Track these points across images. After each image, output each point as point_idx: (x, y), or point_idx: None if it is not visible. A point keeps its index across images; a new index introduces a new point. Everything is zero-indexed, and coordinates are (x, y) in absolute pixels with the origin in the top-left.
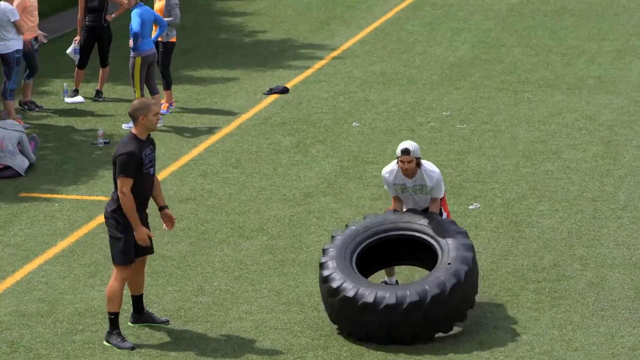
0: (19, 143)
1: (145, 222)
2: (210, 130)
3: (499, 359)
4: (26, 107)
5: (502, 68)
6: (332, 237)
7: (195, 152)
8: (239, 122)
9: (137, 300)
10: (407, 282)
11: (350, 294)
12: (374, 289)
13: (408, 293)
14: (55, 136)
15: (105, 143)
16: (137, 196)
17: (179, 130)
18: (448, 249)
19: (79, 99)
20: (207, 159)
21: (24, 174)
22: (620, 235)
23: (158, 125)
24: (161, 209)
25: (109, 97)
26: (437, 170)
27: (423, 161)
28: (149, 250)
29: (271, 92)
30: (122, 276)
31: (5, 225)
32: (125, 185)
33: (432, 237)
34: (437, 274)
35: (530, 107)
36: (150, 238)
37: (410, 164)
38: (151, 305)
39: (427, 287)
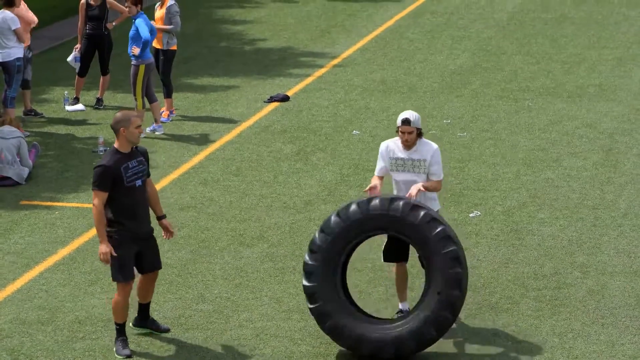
0: (17, 152)
1: (145, 238)
2: (211, 138)
3: None
4: (32, 113)
5: (502, 76)
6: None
7: (195, 159)
8: (239, 130)
9: (143, 308)
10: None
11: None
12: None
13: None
14: (55, 144)
15: (105, 151)
16: (122, 210)
17: (180, 138)
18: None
19: (79, 106)
20: (208, 167)
21: (24, 183)
22: (620, 243)
23: (157, 133)
24: (159, 218)
25: (109, 105)
26: (436, 144)
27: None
28: (156, 265)
29: (272, 100)
30: (124, 292)
31: (5, 233)
32: (97, 198)
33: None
34: (427, 310)
35: (530, 115)
36: (156, 255)
37: (411, 135)
38: (151, 313)
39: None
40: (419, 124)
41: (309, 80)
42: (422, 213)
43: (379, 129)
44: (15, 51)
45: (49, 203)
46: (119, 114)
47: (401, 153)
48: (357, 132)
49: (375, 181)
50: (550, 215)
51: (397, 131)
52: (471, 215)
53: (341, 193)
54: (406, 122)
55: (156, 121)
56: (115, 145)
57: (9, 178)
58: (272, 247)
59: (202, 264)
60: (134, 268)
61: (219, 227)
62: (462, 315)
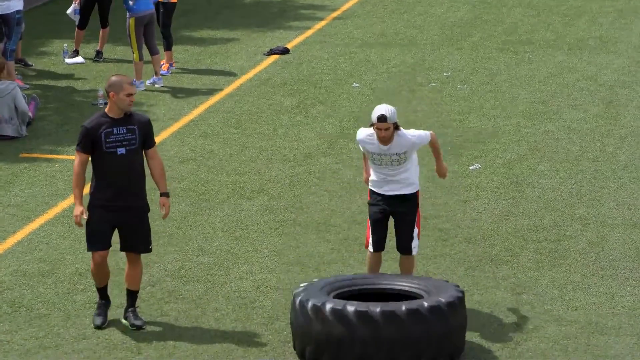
0: (15, 106)
1: (124, 212)
2: (211, 91)
3: (498, 318)
4: (22, 63)
5: (503, 28)
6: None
7: (195, 112)
8: (239, 82)
9: (128, 295)
10: None
11: None
12: None
13: None
14: (55, 97)
15: (105, 104)
16: (99, 176)
17: (179, 91)
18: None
19: (79, 59)
20: (208, 120)
21: (24, 135)
22: (620, 195)
23: (157, 86)
24: (161, 195)
25: (109, 58)
26: (417, 133)
27: (402, 129)
28: (134, 246)
29: (271, 52)
30: (93, 261)
31: (5, 186)
32: (76, 158)
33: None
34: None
35: (531, 67)
36: (139, 235)
37: (387, 132)
38: (152, 265)
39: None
40: (395, 118)
41: (309, 33)
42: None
43: (379, 82)
44: (15, 3)
45: (49, 156)
46: (113, 77)
47: (377, 149)
48: (357, 84)
49: (366, 171)
50: (550, 168)
51: (371, 126)
52: (471, 167)
53: (341, 146)
54: (382, 119)
55: (156, 74)
56: (106, 108)
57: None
58: (272, 200)
59: (202, 217)
60: (109, 241)
61: (219, 180)
62: (462, 267)
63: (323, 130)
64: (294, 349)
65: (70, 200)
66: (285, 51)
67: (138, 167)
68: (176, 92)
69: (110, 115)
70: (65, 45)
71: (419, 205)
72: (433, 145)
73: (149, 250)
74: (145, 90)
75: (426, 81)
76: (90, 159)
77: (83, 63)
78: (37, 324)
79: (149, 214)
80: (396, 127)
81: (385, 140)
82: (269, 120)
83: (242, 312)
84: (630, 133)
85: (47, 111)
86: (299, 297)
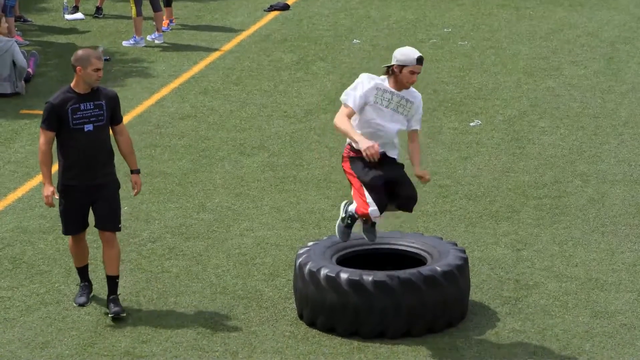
0: (13, 61)
1: (95, 190)
2: (211, 48)
3: (499, 275)
4: (21, 20)
5: None
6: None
7: (195, 69)
8: (239, 39)
9: (107, 281)
10: None
11: None
12: None
13: None
14: (55, 53)
15: (105, 60)
16: (68, 155)
17: (179, 47)
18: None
19: (79, 15)
20: (208, 76)
21: (24, 93)
22: (621, 152)
23: (157, 42)
24: (131, 172)
25: (109, 14)
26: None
27: None
28: (106, 223)
29: (272, 9)
30: (70, 241)
31: (6, 142)
32: (42, 136)
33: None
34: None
35: (531, 23)
36: (110, 212)
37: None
38: (152, 222)
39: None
40: None
41: None
42: None
43: (379, 38)
44: None
45: None
46: (80, 51)
47: (392, 90)
48: (358, 41)
49: (363, 138)
50: (551, 124)
51: (399, 70)
52: (472, 124)
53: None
54: (421, 60)
55: (157, 30)
56: (72, 83)
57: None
58: (273, 157)
59: (203, 173)
60: (86, 221)
61: (220, 137)
62: (462, 224)
63: (323, 86)
64: (297, 310)
65: None
66: (285, 7)
67: (106, 144)
68: (176, 48)
69: (76, 90)
70: (65, 1)
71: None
72: (417, 140)
73: (118, 229)
74: (145, 46)
75: (427, 37)
76: (55, 136)
77: (83, 19)
78: (38, 280)
79: (152, 174)
80: None
81: (409, 85)
82: (269, 77)
83: (242, 268)
84: (631, 89)
85: (47, 67)
86: (299, 260)
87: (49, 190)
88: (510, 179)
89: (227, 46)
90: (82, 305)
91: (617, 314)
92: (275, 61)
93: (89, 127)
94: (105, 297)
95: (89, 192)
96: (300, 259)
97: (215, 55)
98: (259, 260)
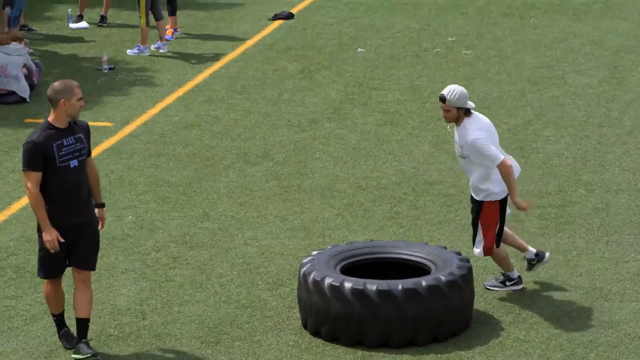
0: (24, 66)
1: (79, 229)
2: (215, 56)
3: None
4: (26, 29)
5: None
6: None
7: (200, 78)
8: (243, 48)
9: (77, 325)
10: None
11: None
12: None
13: None
14: (59, 62)
15: (110, 69)
16: (53, 195)
17: (184, 56)
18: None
19: (83, 24)
20: (212, 85)
21: (28, 100)
22: (625, 161)
23: (161, 51)
24: (96, 205)
25: (113, 23)
26: (478, 131)
27: (476, 114)
28: (83, 262)
29: (276, 17)
30: (46, 287)
31: (10, 151)
32: (29, 179)
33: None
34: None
35: (536, 32)
36: (90, 250)
37: (448, 114)
38: (157, 231)
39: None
40: (459, 102)
41: None
42: None
43: (384, 47)
44: None
45: None
46: (57, 84)
47: (455, 135)
48: (362, 49)
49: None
50: (555, 133)
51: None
52: None
53: (346, 111)
54: (441, 99)
55: (161, 39)
56: (50, 118)
57: (13, 93)
58: (277, 166)
59: (207, 182)
60: (64, 265)
61: (224, 145)
62: (466, 233)
63: (328, 95)
64: (301, 319)
65: None
66: (289, 16)
67: (86, 178)
68: (181, 57)
69: (56, 125)
70: (70, 10)
71: (486, 214)
72: (501, 173)
73: (94, 268)
74: (150, 55)
75: (431, 46)
76: None
77: (87, 28)
78: (41, 290)
79: (157, 183)
80: (467, 113)
81: (448, 121)
82: (273, 86)
83: (246, 277)
84: (636, 98)
85: (52, 76)
86: (304, 269)
87: (52, 234)
88: None
89: (232, 55)
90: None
91: (622, 324)
92: (279, 70)
93: (74, 163)
94: (109, 305)
95: (73, 232)
96: (305, 268)
97: (219, 64)
98: (263, 270)
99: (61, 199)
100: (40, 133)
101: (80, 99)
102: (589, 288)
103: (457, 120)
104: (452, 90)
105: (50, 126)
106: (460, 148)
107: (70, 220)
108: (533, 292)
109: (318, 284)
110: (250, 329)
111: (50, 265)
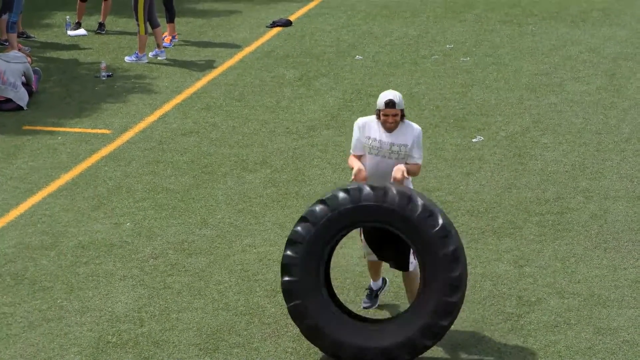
0: (23, 74)
1: None
2: (213, 64)
3: (501, 291)
4: (24, 36)
5: (506, 0)
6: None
7: (198, 85)
8: (242, 55)
9: None
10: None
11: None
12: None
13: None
14: (58, 69)
15: (108, 76)
16: None
17: (182, 64)
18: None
19: (81, 31)
20: (210, 92)
21: (26, 108)
22: (623, 168)
23: (159, 58)
24: None
25: (111, 30)
26: (418, 126)
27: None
28: None
29: (274, 24)
30: None
31: (8, 158)
32: None
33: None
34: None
35: (534, 39)
36: None
37: (396, 118)
38: (155, 238)
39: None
40: (403, 104)
41: (311, 4)
42: (419, 206)
43: (382, 54)
44: None
45: (51, 128)
46: None
47: (378, 135)
48: (360, 57)
49: (357, 164)
50: (553, 140)
51: (377, 115)
52: (474, 140)
53: (344, 118)
54: (390, 104)
55: (159, 46)
56: None
57: (11, 101)
58: (275, 173)
59: (205, 189)
60: None
61: (222, 153)
62: (465, 240)
63: (326, 102)
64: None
65: (73, 172)
66: (287, 23)
67: None
68: (179, 64)
69: None
70: (68, 17)
71: None
72: (415, 169)
73: None
74: (148, 62)
75: (429, 53)
76: None
77: (85, 35)
78: (40, 297)
79: (155, 190)
80: (402, 115)
81: (392, 127)
82: (271, 93)
83: (244, 284)
84: (634, 105)
85: (50, 84)
86: None
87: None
88: (512, 195)
89: (230, 62)
90: None
91: (620, 331)
92: (277, 77)
93: None
94: (107, 312)
95: None
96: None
97: (217, 71)
98: (261, 277)
99: None
100: None
101: None
102: (587, 295)
103: (398, 123)
104: (396, 95)
105: None
106: (405, 147)
107: None
108: (531, 299)
109: None
110: (248, 335)
111: None
